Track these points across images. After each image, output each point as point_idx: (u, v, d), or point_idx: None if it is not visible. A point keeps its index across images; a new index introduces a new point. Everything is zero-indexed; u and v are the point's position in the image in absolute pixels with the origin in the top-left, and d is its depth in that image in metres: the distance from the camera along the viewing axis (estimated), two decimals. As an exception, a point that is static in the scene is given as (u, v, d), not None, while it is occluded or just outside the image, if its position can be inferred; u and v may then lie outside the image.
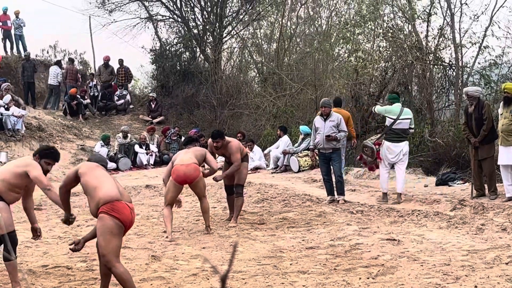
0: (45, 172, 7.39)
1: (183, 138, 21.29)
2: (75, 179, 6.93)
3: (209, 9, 27.53)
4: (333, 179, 12.81)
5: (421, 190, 13.84)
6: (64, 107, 24.77)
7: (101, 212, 6.47)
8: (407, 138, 13.01)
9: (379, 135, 13.24)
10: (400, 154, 12.57)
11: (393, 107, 12.78)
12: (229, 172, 11.23)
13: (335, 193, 12.77)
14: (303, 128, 18.31)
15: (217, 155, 11.93)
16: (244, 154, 11.54)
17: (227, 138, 11.32)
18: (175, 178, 10.36)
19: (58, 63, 26.32)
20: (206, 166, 11.20)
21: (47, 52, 29.82)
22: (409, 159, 16.20)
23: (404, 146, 12.66)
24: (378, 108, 13.24)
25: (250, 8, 26.75)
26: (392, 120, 12.61)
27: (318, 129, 12.81)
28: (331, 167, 12.80)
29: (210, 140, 11.34)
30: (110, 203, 6.46)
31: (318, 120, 12.93)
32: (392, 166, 12.80)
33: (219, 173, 11.47)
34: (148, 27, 28.94)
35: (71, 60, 27.17)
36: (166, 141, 21.67)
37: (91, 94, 26.17)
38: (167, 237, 10.04)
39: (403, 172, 12.68)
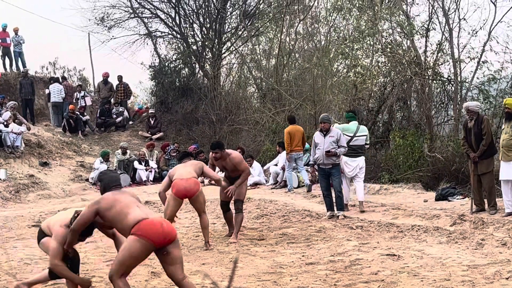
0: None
1: (182, 154, 21.38)
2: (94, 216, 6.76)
3: (208, 25, 27.61)
4: (333, 195, 12.80)
5: (420, 205, 13.84)
6: (63, 123, 24.79)
7: (131, 233, 6.43)
8: (363, 153, 14.01)
9: None
10: (356, 168, 13.58)
11: (350, 125, 13.88)
12: (241, 181, 11.17)
13: (335, 208, 12.76)
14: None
15: (217, 169, 11.91)
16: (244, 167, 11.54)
17: (227, 150, 11.30)
18: (175, 192, 10.39)
19: (57, 80, 26.30)
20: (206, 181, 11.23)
21: (47, 69, 29.91)
22: (409, 174, 16.39)
23: (361, 160, 13.69)
24: (336, 127, 13.84)
25: (249, 24, 26.83)
26: (349, 137, 13.56)
27: (317, 145, 12.81)
28: (331, 182, 12.81)
29: (211, 153, 11.34)
30: (136, 225, 6.41)
31: (317, 136, 12.94)
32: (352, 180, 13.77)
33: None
34: (147, 44, 29.08)
35: (63, 78, 27.28)
36: (166, 157, 21.67)
37: (79, 106, 25.84)
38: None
39: (361, 184, 13.66)
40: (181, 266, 6.61)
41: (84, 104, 25.77)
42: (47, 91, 25.71)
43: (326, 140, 12.68)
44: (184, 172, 10.53)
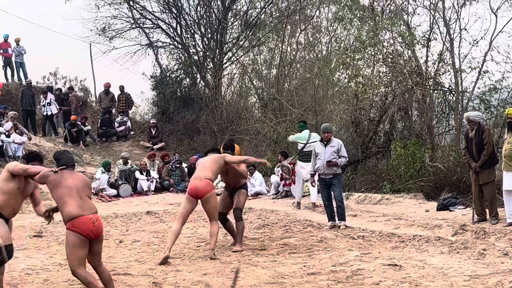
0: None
1: (184, 165, 21.39)
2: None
3: (209, 35, 27.66)
4: (334, 205, 12.80)
5: (422, 215, 13.83)
6: (64, 134, 24.79)
7: (67, 228, 7.35)
8: None
9: (293, 157, 17.05)
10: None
11: (303, 134, 15.82)
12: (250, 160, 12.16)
13: (336, 218, 12.75)
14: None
15: (219, 177, 12.07)
16: (246, 175, 11.65)
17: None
18: (188, 191, 10.70)
19: (50, 89, 26.28)
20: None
21: (48, 79, 29.97)
22: (410, 184, 16.44)
23: None
24: (291, 137, 16.54)
25: (250, 34, 26.87)
26: (303, 145, 15.57)
27: (318, 155, 12.82)
28: (332, 192, 12.80)
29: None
30: (71, 221, 7.29)
31: (318, 146, 12.97)
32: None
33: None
34: (148, 54, 29.15)
35: (71, 89, 27.36)
36: (169, 167, 21.63)
37: (44, 114, 25.40)
38: (164, 252, 10.22)
39: (314, 186, 14.55)
40: (100, 256, 7.62)
41: (51, 113, 25.39)
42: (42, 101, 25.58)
43: (327, 150, 12.69)
44: (201, 173, 10.75)
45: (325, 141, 12.82)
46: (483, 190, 12.39)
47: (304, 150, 15.51)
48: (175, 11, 27.66)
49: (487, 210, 12.45)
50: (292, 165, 17.06)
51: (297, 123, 17.78)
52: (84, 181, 7.74)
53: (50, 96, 25.39)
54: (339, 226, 12.57)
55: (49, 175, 7.56)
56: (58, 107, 25.51)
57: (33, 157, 8.18)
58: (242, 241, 11.28)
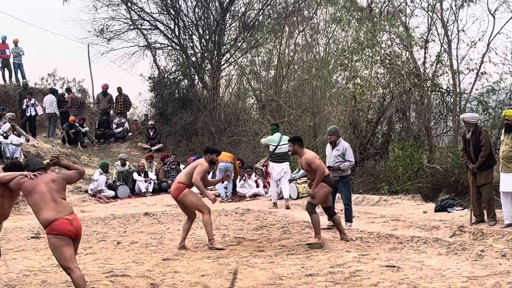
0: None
1: (181, 166, 21.39)
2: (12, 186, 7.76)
3: (207, 36, 27.66)
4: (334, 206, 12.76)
5: (420, 216, 13.83)
6: (62, 135, 24.76)
7: (47, 233, 7.42)
8: (288, 159, 16.53)
9: (265, 159, 18.10)
10: (282, 172, 16.28)
11: (274, 137, 16.48)
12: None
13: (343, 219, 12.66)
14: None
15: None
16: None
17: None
18: None
19: (53, 91, 26.24)
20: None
21: (46, 81, 29.96)
22: (408, 185, 16.46)
23: (285, 165, 16.39)
24: (263, 140, 17.63)
25: (248, 35, 26.88)
26: (274, 147, 16.24)
27: (326, 157, 12.80)
28: (338, 194, 12.76)
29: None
30: (49, 225, 7.37)
31: (327, 148, 12.91)
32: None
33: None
34: (146, 55, 29.17)
35: (69, 90, 27.32)
36: (165, 169, 21.67)
37: (28, 114, 24.91)
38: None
39: (286, 185, 16.44)
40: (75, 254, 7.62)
41: (34, 114, 25.07)
42: (44, 102, 25.52)
43: (332, 153, 12.59)
44: (180, 175, 11.58)
45: (331, 144, 12.72)
46: (481, 192, 12.39)
47: (275, 152, 16.26)
48: (173, 12, 27.68)
49: (485, 212, 12.45)
50: (265, 167, 18.39)
51: (270, 125, 18.59)
52: (56, 180, 7.82)
53: (52, 98, 25.27)
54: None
55: (23, 182, 7.63)
56: (56, 108, 25.41)
57: (10, 168, 8.17)
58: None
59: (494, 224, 11.91)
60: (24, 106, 24.75)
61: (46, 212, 7.41)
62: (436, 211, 14.30)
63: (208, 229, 11.16)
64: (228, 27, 28.10)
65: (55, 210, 7.44)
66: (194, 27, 27.85)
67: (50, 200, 7.50)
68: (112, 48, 28.75)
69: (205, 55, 27.45)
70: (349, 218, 12.73)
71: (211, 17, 27.45)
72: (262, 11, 27.42)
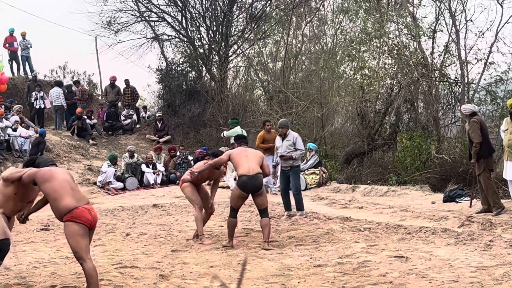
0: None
1: (190, 158, 21.41)
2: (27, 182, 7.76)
3: (214, 28, 27.65)
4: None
5: (428, 207, 13.82)
6: (72, 128, 24.77)
7: (65, 220, 7.43)
8: None
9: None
10: None
11: (236, 129, 17.83)
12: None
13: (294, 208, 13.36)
14: (311, 145, 18.53)
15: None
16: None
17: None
18: None
19: (59, 83, 26.21)
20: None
21: (56, 73, 30.00)
22: (416, 176, 16.49)
23: None
24: (226, 133, 18.97)
25: (255, 27, 26.85)
26: None
27: (278, 148, 13.62)
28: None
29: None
30: (69, 213, 7.38)
31: (278, 140, 13.84)
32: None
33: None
34: (154, 47, 29.15)
35: (77, 82, 27.37)
36: (176, 161, 21.64)
37: (37, 107, 24.80)
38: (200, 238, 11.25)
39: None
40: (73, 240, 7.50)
41: (43, 106, 25.05)
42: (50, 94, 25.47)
43: (284, 144, 13.35)
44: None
45: (282, 136, 13.46)
46: (481, 181, 12.40)
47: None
48: (181, 4, 27.66)
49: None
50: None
51: (230, 119, 19.80)
52: (70, 174, 7.92)
53: (59, 91, 25.24)
54: (294, 215, 13.16)
55: (37, 171, 7.65)
56: (64, 101, 25.39)
57: (31, 164, 8.18)
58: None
59: (495, 214, 11.88)
60: (32, 99, 24.74)
61: (66, 199, 7.44)
62: (444, 201, 14.29)
63: (197, 224, 11.42)
64: (236, 19, 28.08)
65: (75, 198, 7.49)
66: (201, 19, 27.84)
67: (69, 188, 7.55)
68: (119, 40, 28.78)
69: (213, 46, 27.44)
70: (300, 207, 13.30)
71: (218, 8, 27.44)
72: (269, 2, 27.39)
